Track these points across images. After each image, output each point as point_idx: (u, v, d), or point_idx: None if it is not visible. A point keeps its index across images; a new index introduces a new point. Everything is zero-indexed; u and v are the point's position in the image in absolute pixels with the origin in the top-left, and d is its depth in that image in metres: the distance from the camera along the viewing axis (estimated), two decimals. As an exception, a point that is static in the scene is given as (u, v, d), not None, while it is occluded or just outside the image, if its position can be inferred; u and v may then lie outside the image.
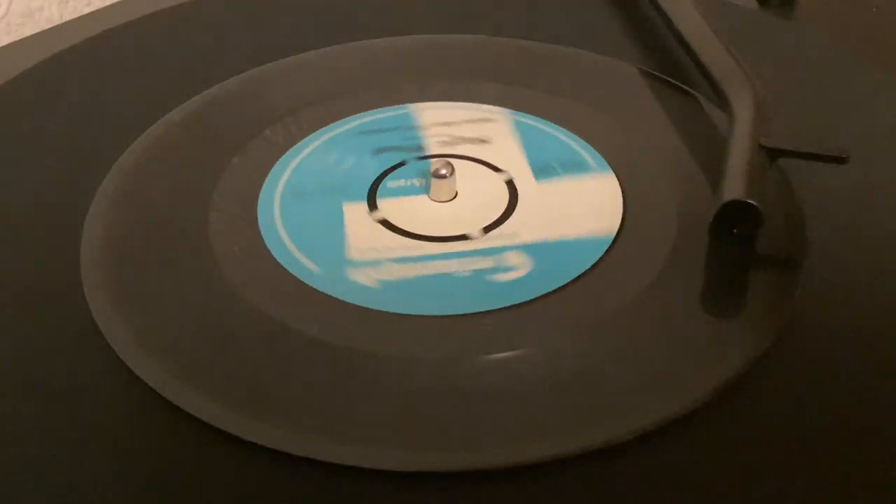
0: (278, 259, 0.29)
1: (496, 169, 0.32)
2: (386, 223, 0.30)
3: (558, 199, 0.31)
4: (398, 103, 0.35)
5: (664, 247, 0.29)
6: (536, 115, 0.34)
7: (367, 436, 0.24)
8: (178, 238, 0.29)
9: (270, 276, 0.28)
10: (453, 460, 0.23)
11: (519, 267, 0.28)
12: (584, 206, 0.30)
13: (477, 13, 0.41)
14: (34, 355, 0.26)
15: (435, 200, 0.31)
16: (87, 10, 0.50)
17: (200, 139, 0.33)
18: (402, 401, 0.25)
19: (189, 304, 0.27)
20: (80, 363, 0.26)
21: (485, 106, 0.34)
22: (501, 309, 0.27)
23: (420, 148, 0.33)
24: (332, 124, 0.34)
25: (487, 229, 0.30)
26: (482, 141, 0.32)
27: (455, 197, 0.31)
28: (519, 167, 0.32)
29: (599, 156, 0.32)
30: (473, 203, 0.31)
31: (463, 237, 0.29)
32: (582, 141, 0.33)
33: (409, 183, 0.32)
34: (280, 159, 0.32)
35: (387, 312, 0.27)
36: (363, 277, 0.28)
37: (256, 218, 0.30)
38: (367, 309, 0.27)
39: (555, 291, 0.27)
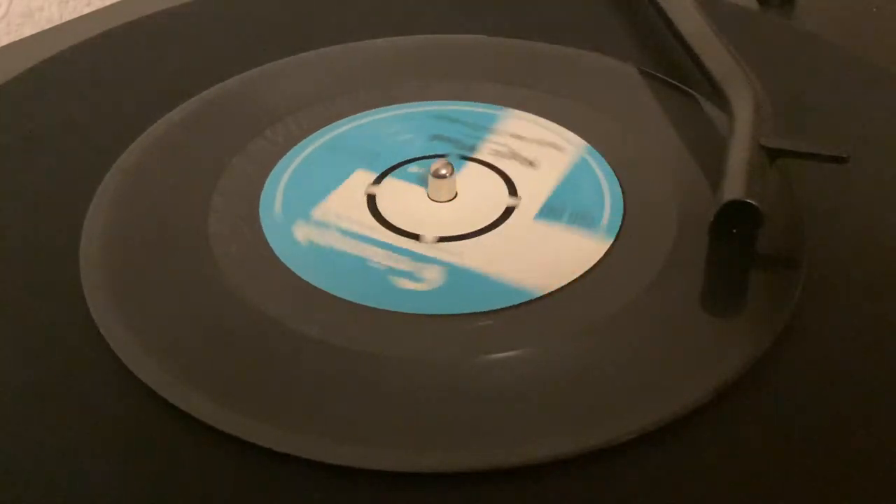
0: (278, 259, 0.29)
1: (513, 192, 0.31)
2: (370, 200, 0.31)
3: (532, 243, 0.29)
4: (398, 103, 0.35)
5: (664, 247, 0.29)
6: (536, 115, 0.34)
7: (367, 436, 0.24)
8: (177, 238, 0.29)
9: (270, 276, 0.28)
10: (453, 460, 0.23)
11: (426, 282, 0.28)
12: (547, 259, 0.29)
13: (477, 13, 0.41)
14: (34, 355, 0.26)
15: (432, 199, 0.31)
16: (87, 10, 0.51)
17: (200, 139, 0.33)
18: (402, 401, 0.25)
19: (189, 304, 0.27)
20: (79, 363, 0.26)
21: (570, 134, 0.33)
22: (501, 309, 0.27)
23: (472, 148, 0.33)
24: (332, 124, 0.34)
25: (442, 239, 0.29)
26: (530, 163, 0.31)
27: (453, 198, 0.31)
28: (533, 200, 0.31)
29: (620, 210, 0.30)
30: (461, 213, 0.31)
31: (415, 237, 0.30)
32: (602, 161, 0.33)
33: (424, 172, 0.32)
34: (280, 159, 0.32)
35: (387, 312, 0.27)
36: (301, 233, 0.29)
37: (256, 218, 0.30)
38: (368, 309, 0.27)
39: (555, 292, 0.27)
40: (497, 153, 0.32)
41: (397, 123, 0.34)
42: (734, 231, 0.28)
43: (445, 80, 0.36)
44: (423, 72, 0.37)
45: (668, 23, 0.37)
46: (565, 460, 0.23)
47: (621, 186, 0.31)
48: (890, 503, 0.23)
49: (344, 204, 0.31)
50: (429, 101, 0.35)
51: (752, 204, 0.28)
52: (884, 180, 0.32)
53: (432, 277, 0.28)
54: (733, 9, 0.41)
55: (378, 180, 0.32)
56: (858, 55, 0.37)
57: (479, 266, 0.28)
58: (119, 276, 0.28)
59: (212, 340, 0.26)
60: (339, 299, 0.27)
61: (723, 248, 0.29)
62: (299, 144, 0.33)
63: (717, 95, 0.33)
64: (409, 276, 0.28)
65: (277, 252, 0.29)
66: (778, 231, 0.29)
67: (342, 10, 0.41)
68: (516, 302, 0.27)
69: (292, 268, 0.28)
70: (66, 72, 0.37)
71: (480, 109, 0.34)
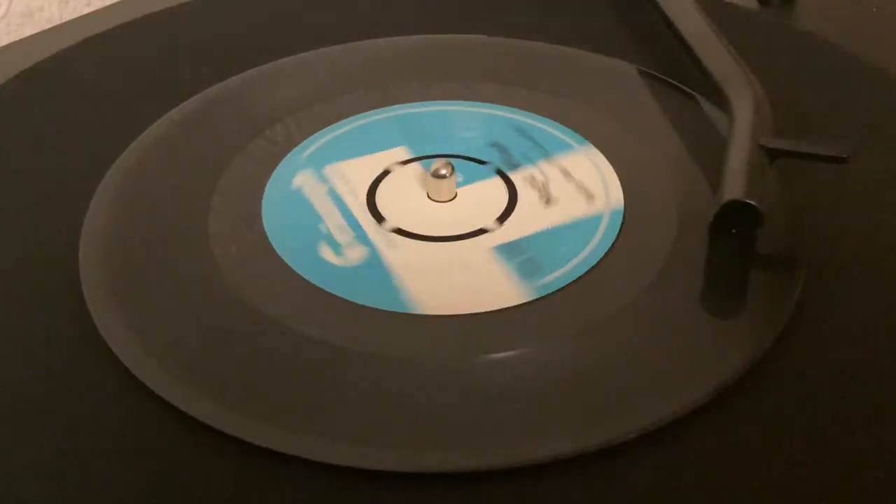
0: (278, 259, 0.29)
1: (503, 218, 0.30)
2: (381, 177, 0.32)
3: (463, 269, 0.28)
4: (398, 103, 0.35)
5: (664, 247, 0.29)
6: (537, 115, 0.34)
7: (367, 436, 0.24)
8: (177, 238, 0.29)
9: (270, 276, 0.28)
10: (453, 460, 0.23)
11: (344, 258, 0.29)
12: (457, 287, 0.28)
13: (477, 13, 0.41)
14: (33, 356, 0.26)
15: (432, 198, 0.31)
16: (87, 10, 0.51)
17: (200, 139, 0.33)
18: (402, 401, 0.25)
19: (189, 304, 0.27)
20: (79, 363, 0.26)
21: (617, 190, 0.31)
22: (502, 309, 0.27)
23: (514, 166, 0.32)
24: (333, 124, 0.34)
25: (398, 231, 0.30)
26: (548, 201, 0.30)
27: (452, 199, 0.31)
28: (511, 232, 0.30)
29: (620, 210, 0.30)
30: (442, 215, 0.30)
31: (381, 219, 0.30)
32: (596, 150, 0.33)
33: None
34: (280, 159, 0.32)
35: (387, 312, 0.27)
36: (299, 179, 0.31)
37: (256, 218, 0.30)
38: (368, 309, 0.27)
39: (555, 292, 0.27)
40: (530, 179, 0.31)
41: (473, 120, 0.34)
42: (734, 231, 0.28)
43: (445, 80, 0.36)
44: (423, 72, 0.37)
45: (668, 23, 0.37)
46: (565, 460, 0.23)
47: (622, 186, 0.31)
48: (890, 503, 0.23)
49: (356, 172, 0.32)
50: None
51: (751, 204, 0.28)
52: (884, 180, 0.31)
53: (352, 258, 0.28)
54: (733, 9, 0.41)
55: (406, 162, 0.32)
56: (858, 55, 0.37)
57: (395, 266, 0.28)
58: (119, 276, 0.28)
59: (212, 340, 0.26)
60: (339, 299, 0.27)
61: (723, 248, 0.29)
62: (299, 145, 0.33)
63: (717, 95, 0.33)
64: (336, 248, 0.29)
65: (278, 252, 0.29)
66: (778, 231, 0.29)
67: (342, 10, 0.41)
68: (394, 308, 0.27)
69: (293, 267, 0.28)
70: (66, 72, 0.37)
71: (560, 134, 0.33)
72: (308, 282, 0.28)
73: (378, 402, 0.25)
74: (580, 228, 0.30)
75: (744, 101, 0.32)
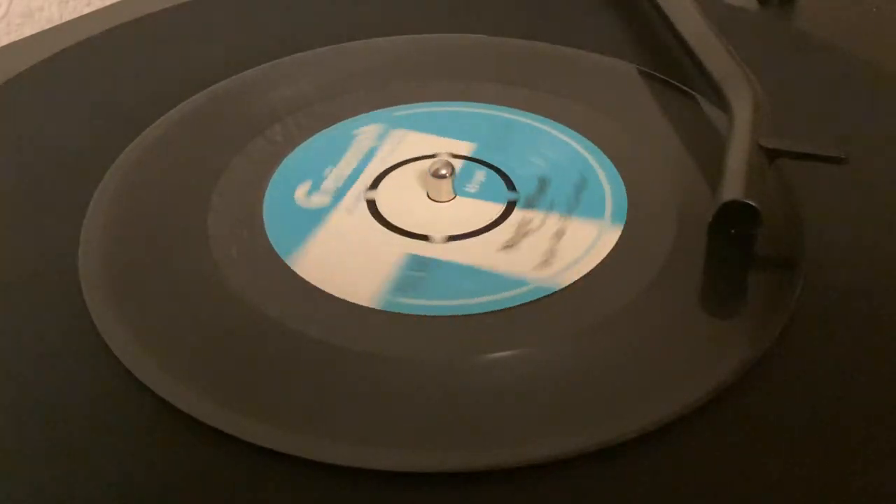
0: (278, 259, 0.29)
1: (454, 238, 0.30)
2: (397, 165, 0.32)
3: (362, 252, 0.29)
4: (399, 103, 0.35)
5: (664, 247, 0.29)
6: (537, 115, 0.34)
7: (367, 436, 0.24)
8: (177, 238, 0.29)
9: (270, 276, 0.28)
10: (453, 460, 0.23)
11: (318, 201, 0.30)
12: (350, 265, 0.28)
13: (477, 13, 0.41)
14: (33, 356, 0.26)
15: (432, 199, 0.31)
16: (87, 10, 0.51)
17: (200, 139, 0.33)
18: (402, 401, 0.25)
19: (189, 304, 0.27)
20: (78, 364, 0.26)
21: (562, 263, 0.29)
22: (501, 310, 0.27)
23: (531, 206, 0.31)
24: (333, 125, 0.34)
25: (388, 227, 0.30)
26: (508, 247, 0.29)
27: (452, 199, 0.31)
28: (443, 252, 0.29)
29: (623, 211, 0.30)
30: (443, 217, 0.30)
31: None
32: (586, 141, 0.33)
33: (476, 186, 0.32)
34: (280, 159, 0.32)
35: (387, 312, 0.27)
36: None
37: (256, 218, 0.30)
38: (368, 309, 0.27)
39: (555, 292, 0.27)
40: (523, 221, 0.30)
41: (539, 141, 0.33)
42: (733, 231, 0.28)
43: (445, 79, 0.36)
44: (423, 72, 0.37)
45: (668, 23, 0.37)
46: (565, 460, 0.23)
47: (622, 186, 0.31)
48: (890, 503, 0.23)
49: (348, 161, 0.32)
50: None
51: (750, 204, 0.28)
52: (883, 181, 0.32)
53: (321, 200, 0.29)
54: (733, 9, 0.41)
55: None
56: (858, 55, 0.37)
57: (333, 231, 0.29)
58: (119, 276, 0.28)
59: (211, 340, 0.26)
60: (339, 299, 0.27)
61: (722, 248, 0.29)
62: (299, 145, 0.33)
63: (717, 96, 0.33)
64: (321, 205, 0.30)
65: (278, 252, 0.29)
66: (777, 231, 0.29)
67: (341, 10, 0.41)
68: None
69: (293, 267, 0.28)
70: (66, 72, 0.37)
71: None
72: (308, 282, 0.28)
73: (378, 402, 0.25)
74: (494, 281, 0.28)
75: (743, 101, 0.32)
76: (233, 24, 0.40)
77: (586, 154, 0.33)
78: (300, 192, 0.30)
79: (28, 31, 0.49)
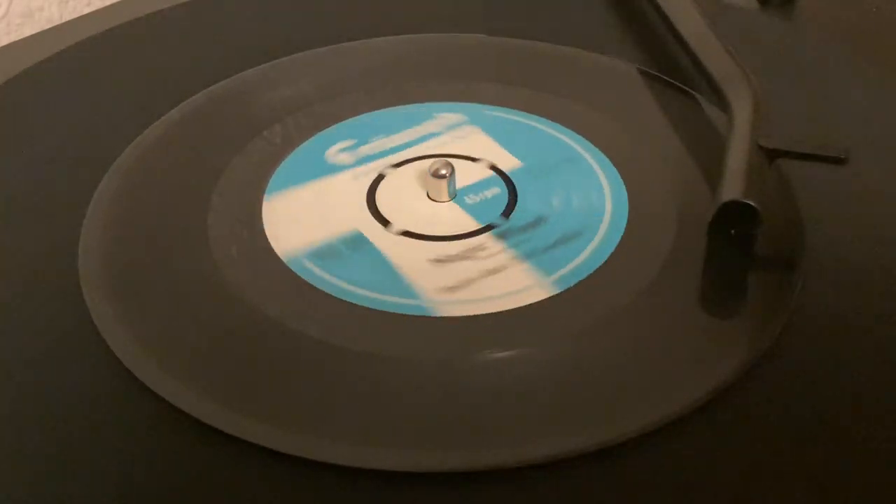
0: (278, 259, 0.29)
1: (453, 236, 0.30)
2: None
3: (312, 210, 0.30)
4: (399, 104, 0.35)
5: (664, 247, 0.29)
6: (536, 115, 0.34)
7: (367, 436, 0.24)
8: (177, 238, 0.29)
9: (270, 276, 0.28)
10: (453, 460, 0.23)
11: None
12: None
13: (477, 13, 0.41)
14: (33, 355, 0.26)
15: (432, 199, 0.31)
16: (87, 10, 0.50)
17: (200, 139, 0.33)
18: (402, 401, 0.25)
19: (189, 304, 0.27)
20: (78, 364, 0.26)
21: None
22: (501, 310, 0.27)
23: (504, 234, 0.30)
24: (332, 125, 0.34)
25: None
26: (440, 261, 0.28)
27: (449, 200, 0.31)
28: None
29: (624, 212, 0.30)
30: (420, 214, 0.31)
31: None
32: (585, 141, 0.33)
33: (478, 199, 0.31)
34: (280, 159, 0.32)
35: (387, 312, 0.27)
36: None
37: (256, 218, 0.30)
38: (368, 309, 0.27)
39: (556, 294, 0.27)
40: (473, 251, 0.29)
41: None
42: (733, 231, 0.28)
43: (445, 79, 0.36)
44: (423, 72, 0.37)
45: (668, 23, 0.37)
46: (565, 460, 0.23)
47: (623, 186, 0.31)
48: (890, 503, 0.23)
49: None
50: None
51: (750, 204, 0.28)
52: (883, 181, 0.32)
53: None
54: (733, 9, 0.41)
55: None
56: (858, 55, 0.37)
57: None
58: (119, 276, 0.28)
59: (211, 340, 0.26)
60: (339, 300, 0.27)
61: (722, 248, 0.29)
62: (299, 145, 0.33)
63: (717, 96, 0.33)
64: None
65: (277, 252, 0.29)
66: (777, 231, 0.29)
67: (341, 10, 0.41)
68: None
69: (292, 267, 0.28)
70: (66, 72, 0.37)
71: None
72: (307, 282, 0.28)
73: (378, 402, 0.25)
74: (395, 284, 0.28)
75: (743, 101, 0.32)
76: (233, 24, 0.40)
77: (586, 154, 0.33)
78: (336, 148, 0.31)
79: (28, 31, 0.49)
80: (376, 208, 0.31)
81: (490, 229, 0.30)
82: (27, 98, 0.36)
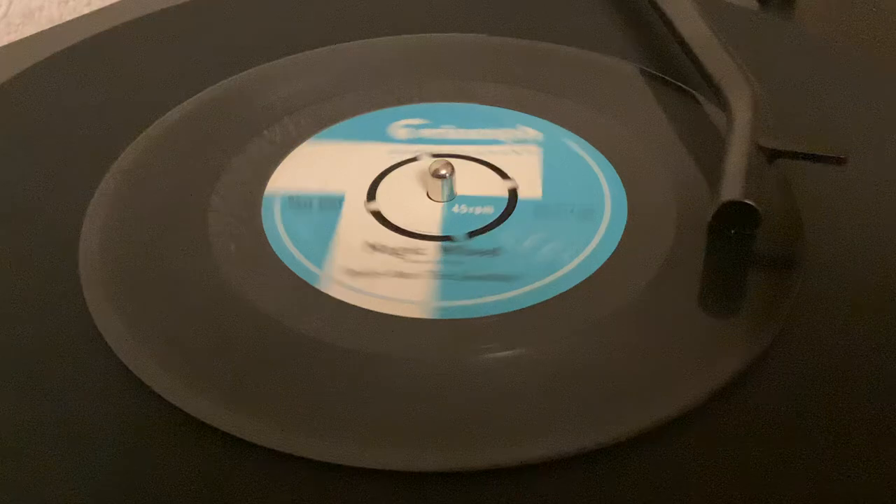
0: (277, 259, 0.29)
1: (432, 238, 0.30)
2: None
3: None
4: (398, 104, 0.35)
5: (664, 247, 0.29)
6: (536, 115, 0.34)
7: (367, 436, 0.24)
8: (177, 238, 0.29)
9: (270, 276, 0.28)
10: (453, 460, 0.23)
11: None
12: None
13: (477, 12, 0.41)
14: (34, 355, 0.26)
15: (432, 199, 0.31)
16: (86, 10, 0.50)
17: (200, 139, 0.33)
18: (402, 400, 0.25)
19: (189, 304, 0.27)
20: (79, 363, 0.26)
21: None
22: (502, 311, 0.27)
23: (451, 248, 0.29)
24: (332, 126, 0.34)
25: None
26: (370, 246, 0.29)
27: (446, 201, 0.31)
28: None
29: (623, 211, 0.30)
30: (402, 204, 0.31)
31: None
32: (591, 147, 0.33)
33: (464, 210, 0.31)
34: (280, 159, 0.32)
35: (387, 312, 0.27)
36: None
37: (255, 218, 0.30)
38: (368, 309, 0.27)
39: (556, 293, 0.27)
40: (406, 251, 0.29)
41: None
42: (733, 231, 0.28)
43: (445, 79, 0.36)
44: (423, 71, 0.37)
45: (668, 23, 0.37)
46: (565, 460, 0.23)
47: (622, 186, 0.31)
48: (891, 503, 0.23)
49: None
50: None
51: (750, 204, 0.28)
52: (883, 180, 0.32)
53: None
54: (733, 9, 0.41)
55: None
56: (858, 55, 0.37)
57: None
58: (119, 276, 0.28)
59: (212, 340, 0.26)
60: (339, 300, 0.27)
61: (722, 248, 0.29)
62: (299, 145, 0.33)
63: (716, 96, 0.33)
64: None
65: (267, 188, 0.29)
66: (776, 231, 0.29)
67: (341, 10, 0.41)
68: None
69: (291, 268, 0.28)
70: (66, 72, 0.37)
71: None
72: (307, 283, 0.28)
73: (378, 401, 0.25)
74: (313, 250, 0.28)
75: (743, 101, 0.32)
76: (233, 24, 0.40)
77: (585, 153, 0.33)
78: (403, 123, 0.32)
79: (28, 31, 0.49)
80: (376, 184, 0.31)
81: (444, 240, 0.29)
82: (27, 98, 0.36)
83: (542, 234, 0.29)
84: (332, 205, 0.30)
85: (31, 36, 0.42)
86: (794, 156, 0.30)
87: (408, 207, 0.31)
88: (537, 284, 0.28)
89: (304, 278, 0.28)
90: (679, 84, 0.36)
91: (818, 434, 0.24)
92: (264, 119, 0.34)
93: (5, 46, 0.41)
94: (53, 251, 0.29)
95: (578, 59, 0.37)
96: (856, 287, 0.28)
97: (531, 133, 0.33)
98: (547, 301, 0.27)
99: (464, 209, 0.31)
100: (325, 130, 0.33)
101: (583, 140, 0.33)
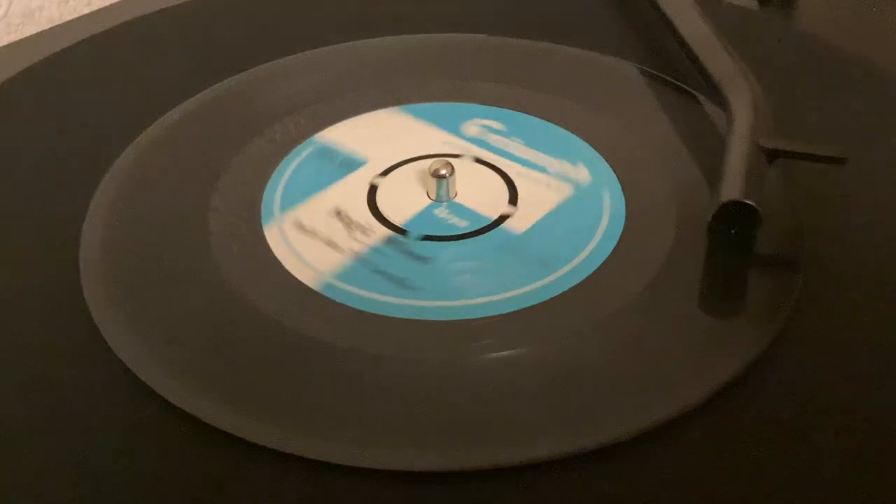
0: (278, 259, 0.29)
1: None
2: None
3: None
4: (398, 104, 0.35)
5: (663, 247, 0.29)
6: (536, 115, 0.34)
7: (367, 436, 0.24)
8: (177, 238, 0.29)
9: (270, 275, 0.28)
10: (453, 460, 0.23)
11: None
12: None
13: (477, 13, 0.41)
14: (34, 355, 0.26)
15: (432, 199, 0.31)
16: (86, 10, 0.50)
17: (200, 139, 0.33)
18: (403, 401, 0.25)
19: (189, 304, 0.27)
20: (79, 363, 0.26)
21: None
22: (502, 312, 0.27)
23: (399, 243, 0.29)
24: (332, 126, 0.34)
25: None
26: (337, 213, 0.29)
27: (453, 198, 0.31)
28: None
29: (621, 211, 0.30)
30: (392, 194, 0.31)
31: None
32: (583, 142, 0.33)
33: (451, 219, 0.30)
34: (280, 159, 0.32)
35: (387, 312, 0.27)
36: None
37: (256, 218, 0.30)
38: (370, 313, 0.27)
39: (555, 293, 0.27)
40: (351, 225, 0.30)
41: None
42: (733, 231, 0.28)
43: (445, 79, 0.36)
44: (423, 71, 0.37)
45: (668, 22, 0.37)
46: (565, 460, 0.23)
47: (621, 186, 0.31)
48: (891, 503, 0.23)
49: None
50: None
51: (750, 204, 0.28)
52: (883, 181, 0.32)
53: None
54: (733, 9, 0.41)
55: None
56: (858, 55, 0.37)
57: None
58: (119, 276, 0.28)
59: (212, 340, 0.26)
60: (339, 302, 0.27)
61: (722, 248, 0.29)
62: (300, 145, 0.33)
63: (717, 96, 0.33)
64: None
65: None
66: (776, 231, 0.29)
67: (341, 10, 0.41)
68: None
69: (290, 269, 0.28)
70: (66, 72, 0.37)
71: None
72: (307, 283, 0.28)
73: (378, 402, 0.25)
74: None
75: (742, 101, 0.32)
76: (233, 24, 0.40)
77: (584, 153, 0.33)
78: (480, 122, 0.33)
79: (28, 31, 0.49)
80: (399, 165, 0.32)
81: (398, 232, 0.30)
82: (27, 98, 0.36)
83: (477, 264, 0.29)
84: (348, 166, 0.32)
85: (31, 36, 0.42)
86: (794, 156, 0.30)
87: (403, 193, 0.31)
88: (537, 284, 0.28)
89: (257, 217, 0.29)
90: (679, 84, 0.36)
91: (818, 434, 0.24)
92: (264, 119, 0.34)
93: (5, 46, 0.41)
94: (53, 251, 0.29)
95: (578, 59, 0.37)
96: (856, 287, 0.28)
97: (581, 174, 0.32)
98: (547, 301, 0.27)
99: (444, 214, 0.30)
100: (410, 105, 0.34)
101: (583, 140, 0.33)
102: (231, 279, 0.28)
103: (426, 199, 0.31)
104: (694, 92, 0.35)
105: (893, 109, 0.35)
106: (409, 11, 0.41)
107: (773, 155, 0.30)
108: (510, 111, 0.34)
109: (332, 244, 0.29)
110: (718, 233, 0.28)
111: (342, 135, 0.33)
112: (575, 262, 0.28)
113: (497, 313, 0.27)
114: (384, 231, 0.30)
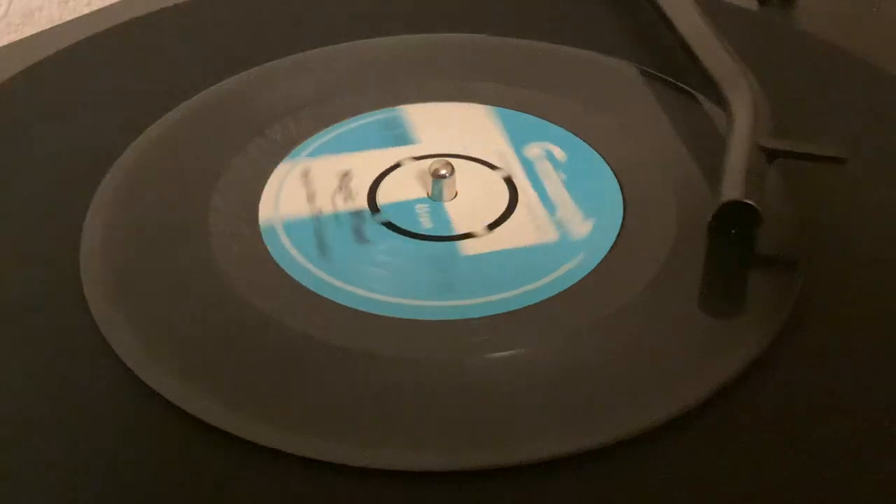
0: (278, 259, 0.29)
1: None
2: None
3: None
4: (398, 104, 0.35)
5: (664, 247, 0.29)
6: (536, 115, 0.34)
7: (367, 436, 0.24)
8: (178, 238, 0.29)
9: (270, 276, 0.28)
10: (453, 460, 0.23)
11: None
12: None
13: (477, 13, 0.41)
14: (34, 355, 0.26)
15: (432, 199, 0.31)
16: (86, 10, 0.50)
17: (200, 139, 0.33)
18: (403, 401, 0.25)
19: (189, 303, 0.27)
20: (79, 363, 0.26)
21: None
22: (502, 311, 0.27)
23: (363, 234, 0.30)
24: (332, 125, 0.34)
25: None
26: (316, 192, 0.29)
27: (453, 198, 0.31)
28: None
29: (620, 210, 0.30)
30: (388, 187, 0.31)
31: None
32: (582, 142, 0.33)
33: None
34: (280, 159, 0.32)
35: (387, 312, 0.27)
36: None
37: (256, 218, 0.30)
38: (370, 314, 0.27)
39: (555, 292, 0.27)
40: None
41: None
42: (733, 231, 0.28)
43: (445, 79, 0.36)
44: (422, 71, 0.37)
45: (668, 22, 0.37)
46: (565, 460, 0.23)
47: (620, 186, 0.31)
48: (892, 502, 0.23)
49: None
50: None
51: (750, 204, 0.28)
52: (883, 181, 0.32)
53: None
54: (733, 9, 0.41)
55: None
56: (858, 55, 0.37)
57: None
58: (119, 275, 0.28)
59: (212, 340, 0.26)
60: (339, 302, 0.27)
61: (722, 248, 0.29)
62: (299, 145, 0.33)
63: (717, 96, 0.33)
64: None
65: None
66: (777, 231, 0.29)
67: (341, 10, 0.41)
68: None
69: (287, 269, 0.28)
70: (66, 72, 0.37)
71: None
72: (307, 283, 0.28)
73: (378, 402, 0.25)
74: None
75: (743, 101, 0.32)
76: (233, 24, 0.40)
77: (608, 209, 0.32)
78: (547, 146, 0.33)
79: (28, 31, 0.49)
80: (434, 155, 0.32)
81: (373, 210, 0.30)
82: (27, 98, 0.36)
83: (398, 265, 0.28)
84: (400, 140, 0.33)
85: (31, 36, 0.42)
86: (794, 156, 0.30)
87: (411, 179, 0.32)
88: (537, 284, 0.28)
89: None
90: (679, 84, 0.36)
91: (818, 434, 0.24)
92: (264, 119, 0.34)
93: (5, 46, 0.41)
94: (54, 251, 0.29)
95: (578, 59, 0.37)
96: (856, 287, 0.28)
97: (581, 229, 0.30)
98: (546, 301, 0.27)
99: (423, 210, 0.30)
100: (501, 108, 0.35)
101: (583, 140, 0.33)
102: (231, 279, 0.28)
103: (424, 192, 0.31)
104: (694, 92, 0.35)
105: (893, 109, 0.35)
106: (409, 11, 0.41)
107: (773, 155, 0.30)
108: (584, 143, 0.33)
109: (311, 197, 0.30)
110: (718, 233, 0.28)
111: (420, 113, 0.34)
112: (576, 261, 0.28)
113: (497, 313, 0.27)
114: (362, 203, 0.31)
